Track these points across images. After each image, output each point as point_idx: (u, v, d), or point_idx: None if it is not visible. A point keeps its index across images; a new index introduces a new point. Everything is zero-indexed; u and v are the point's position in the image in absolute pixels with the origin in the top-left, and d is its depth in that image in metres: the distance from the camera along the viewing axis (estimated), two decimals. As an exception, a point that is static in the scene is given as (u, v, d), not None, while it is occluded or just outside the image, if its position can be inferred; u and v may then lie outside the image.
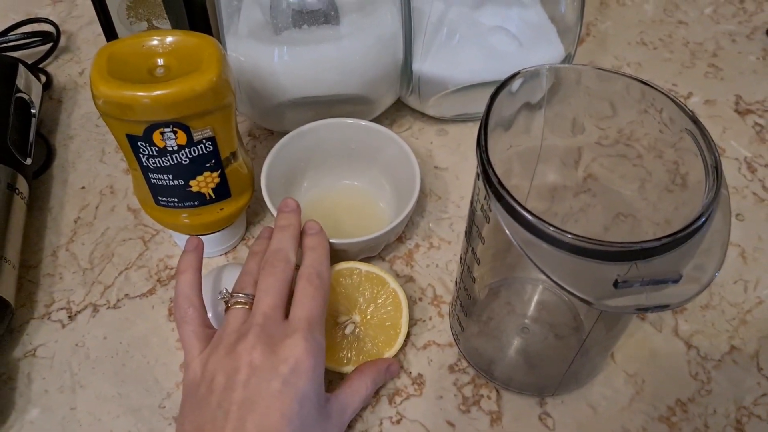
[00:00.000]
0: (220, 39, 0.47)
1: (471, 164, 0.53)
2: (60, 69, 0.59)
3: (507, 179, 0.29)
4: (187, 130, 0.39)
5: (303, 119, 0.50)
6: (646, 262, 0.27)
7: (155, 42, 0.39)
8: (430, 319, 0.45)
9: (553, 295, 0.46)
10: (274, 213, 0.43)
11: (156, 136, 0.39)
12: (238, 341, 0.35)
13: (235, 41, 0.46)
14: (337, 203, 0.49)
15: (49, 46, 0.59)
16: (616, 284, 0.26)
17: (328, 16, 0.47)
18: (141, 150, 0.40)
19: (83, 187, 0.51)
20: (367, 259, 0.46)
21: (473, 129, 0.55)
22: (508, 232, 0.28)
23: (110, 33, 0.47)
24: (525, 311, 0.45)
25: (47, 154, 0.53)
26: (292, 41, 0.46)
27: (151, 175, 0.42)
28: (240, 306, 0.37)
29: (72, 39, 0.62)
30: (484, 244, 0.33)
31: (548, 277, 0.28)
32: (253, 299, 0.37)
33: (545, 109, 0.37)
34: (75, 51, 0.61)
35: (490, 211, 0.30)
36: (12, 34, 0.57)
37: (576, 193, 0.44)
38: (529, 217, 0.27)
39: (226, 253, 0.48)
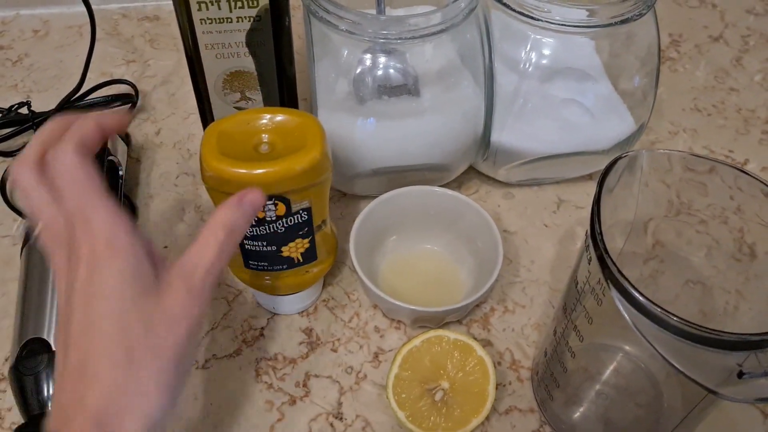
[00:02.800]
0: (312, 110, 0.49)
1: (538, 228, 0.55)
2: (137, 128, 0.62)
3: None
4: (287, 203, 0.41)
5: (378, 184, 0.52)
6: (764, 351, 0.28)
7: (261, 121, 0.41)
8: (510, 383, 0.46)
9: (631, 362, 0.47)
10: (362, 274, 0.45)
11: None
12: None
13: (325, 113, 0.48)
14: (418, 266, 0.50)
15: (128, 106, 0.61)
16: (740, 375, 0.28)
17: (409, 89, 0.49)
18: (242, 219, 0.42)
19: (166, 247, 0.53)
20: (445, 323, 0.48)
21: (538, 193, 0.57)
22: (627, 318, 0.30)
23: (204, 102, 0.49)
24: (604, 377, 0.46)
25: (131, 214, 0.55)
26: (376, 113, 0.48)
27: (246, 242, 0.44)
28: None
29: (147, 99, 0.64)
30: (591, 324, 0.35)
31: (669, 363, 0.29)
32: None
33: (639, 191, 0.39)
34: (150, 111, 0.63)
35: (604, 295, 0.32)
36: (97, 97, 0.60)
37: (645, 259, 0.46)
38: (656, 309, 0.29)
39: (304, 312, 0.50)
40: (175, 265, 0.33)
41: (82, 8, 0.64)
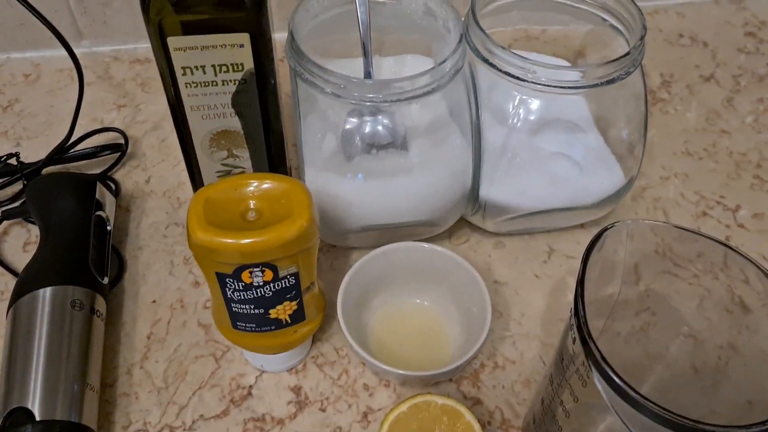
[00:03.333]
0: (299, 166, 0.49)
1: (529, 278, 0.55)
2: (127, 176, 0.62)
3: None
4: (274, 269, 0.41)
5: (367, 238, 0.52)
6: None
7: (248, 188, 0.41)
8: (500, 444, 0.45)
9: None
10: (349, 337, 0.45)
11: (245, 275, 0.41)
12: None
13: (312, 171, 0.48)
14: (408, 322, 0.50)
15: (117, 155, 0.61)
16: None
17: (397, 144, 0.49)
18: (228, 285, 0.42)
19: (154, 301, 0.53)
20: (435, 382, 0.48)
21: (530, 242, 0.57)
22: (609, 404, 0.30)
23: (192, 159, 0.49)
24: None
25: (119, 267, 0.55)
26: (364, 170, 0.48)
27: (233, 305, 0.44)
28: None
29: (137, 145, 0.64)
30: (576, 402, 0.34)
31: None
32: None
33: (625, 259, 0.39)
34: (141, 158, 0.63)
35: (589, 378, 0.32)
36: (86, 148, 0.60)
37: (637, 311, 0.46)
38: (644, 402, 0.28)
39: (292, 369, 0.49)
40: None
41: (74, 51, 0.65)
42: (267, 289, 0.42)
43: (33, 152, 0.61)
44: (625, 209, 0.59)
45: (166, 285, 0.54)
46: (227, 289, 0.42)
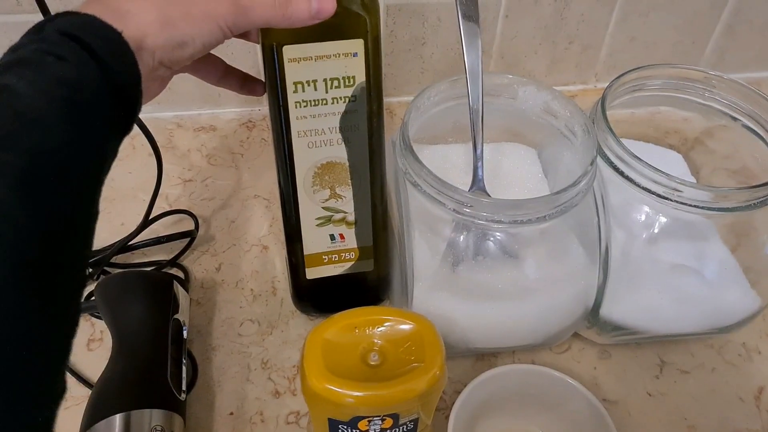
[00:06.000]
0: (408, 289, 0.44)
1: (642, 397, 0.50)
2: (196, 263, 0.57)
3: None
4: (395, 417, 0.36)
5: (469, 352, 0.47)
6: None
7: (370, 327, 0.36)
8: None
9: None
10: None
11: (362, 424, 0.36)
12: None
13: (422, 290, 0.43)
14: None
15: (187, 240, 0.57)
16: None
17: (510, 253, 0.45)
18: (340, 430, 0.37)
19: (231, 413, 0.48)
20: None
21: (637, 352, 0.52)
22: None
23: (290, 201, 0.46)
24: None
25: (192, 371, 0.50)
26: (474, 284, 0.44)
27: (339, 446, 0.39)
28: None
29: (205, 226, 0.60)
30: None
31: None
32: None
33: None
34: (210, 241, 0.59)
35: None
36: (155, 237, 0.55)
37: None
38: None
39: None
40: None
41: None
42: (382, 434, 0.37)
43: (97, 238, 0.57)
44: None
45: (244, 394, 0.49)
46: (336, 433, 0.37)
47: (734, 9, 0.68)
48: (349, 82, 0.42)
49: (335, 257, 0.49)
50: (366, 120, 0.44)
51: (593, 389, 0.50)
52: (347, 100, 0.43)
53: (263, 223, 0.60)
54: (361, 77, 0.42)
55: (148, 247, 0.56)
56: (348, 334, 0.36)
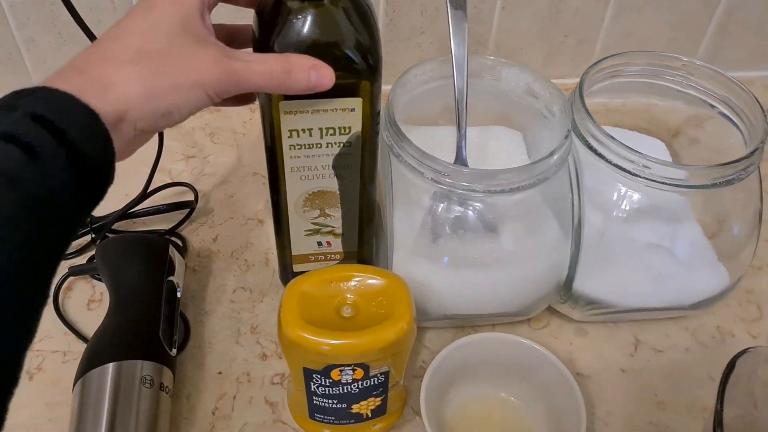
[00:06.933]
0: (387, 248, 0.47)
1: (615, 373, 0.51)
2: (194, 233, 0.60)
3: None
4: (366, 368, 0.38)
5: (446, 323, 0.49)
6: None
7: (345, 282, 0.38)
8: None
9: None
10: (429, 428, 0.42)
11: (334, 373, 0.38)
12: None
13: (401, 255, 0.46)
14: (491, 416, 0.47)
15: (187, 211, 0.59)
16: None
17: (486, 226, 0.47)
18: (314, 380, 0.39)
19: (220, 373, 0.51)
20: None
21: (614, 330, 0.54)
22: None
23: (282, 218, 0.47)
24: None
25: (185, 333, 0.52)
26: (452, 254, 0.46)
27: (315, 398, 0.41)
28: None
29: (205, 200, 0.62)
30: None
31: None
32: None
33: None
34: (208, 214, 0.61)
35: None
36: (156, 205, 0.58)
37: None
38: None
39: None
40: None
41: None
42: (354, 386, 0.39)
43: (102, 204, 0.60)
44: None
45: (233, 355, 0.52)
46: (312, 383, 0.40)
47: (727, 8, 0.70)
48: (345, 131, 0.42)
49: (321, 257, 0.51)
50: (360, 161, 0.44)
51: (568, 364, 0.52)
52: (342, 144, 0.42)
53: (260, 199, 0.63)
54: (357, 128, 0.42)
55: (149, 216, 0.59)
56: (324, 287, 0.38)
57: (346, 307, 0.38)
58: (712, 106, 0.49)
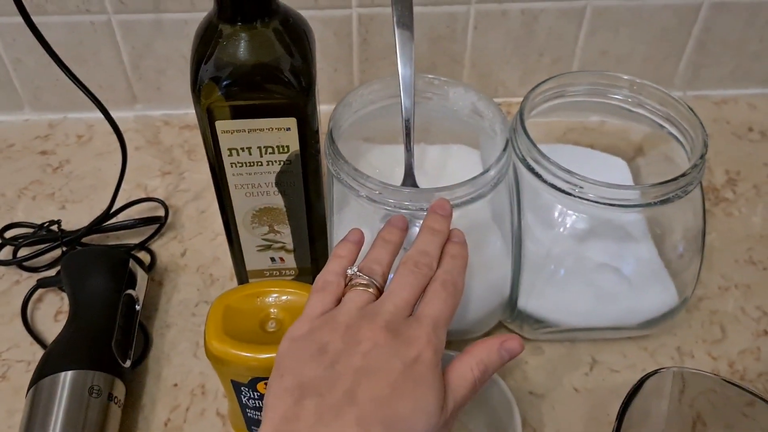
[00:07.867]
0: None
1: (568, 392, 0.51)
2: (163, 247, 0.61)
3: None
4: (292, 383, 0.39)
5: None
6: None
7: (270, 297, 0.39)
8: None
9: None
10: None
11: (260, 386, 0.39)
12: (362, 320, 0.34)
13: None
14: None
15: (156, 226, 0.61)
16: None
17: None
18: (243, 393, 0.40)
19: (176, 385, 0.52)
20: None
21: (571, 350, 0.54)
22: None
23: (233, 234, 0.49)
24: None
25: (144, 344, 0.54)
26: (395, 271, 0.46)
27: (248, 411, 0.42)
28: (363, 289, 0.36)
29: (177, 215, 0.64)
30: None
31: None
32: (378, 287, 0.36)
33: (668, 410, 0.36)
34: (179, 228, 0.63)
35: None
36: (125, 220, 0.60)
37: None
38: None
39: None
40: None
41: (127, 114, 0.65)
42: (283, 399, 0.40)
43: (76, 216, 0.62)
44: (678, 322, 0.54)
45: (189, 368, 0.53)
46: (242, 396, 0.40)
47: (704, 26, 0.70)
48: (283, 149, 0.43)
49: (276, 273, 0.52)
50: (301, 178, 0.45)
51: (522, 383, 0.52)
52: (282, 163, 0.44)
53: (231, 215, 0.64)
54: (295, 147, 0.43)
55: (122, 231, 0.61)
56: (249, 302, 0.39)
57: (271, 322, 0.39)
58: (661, 126, 0.48)
